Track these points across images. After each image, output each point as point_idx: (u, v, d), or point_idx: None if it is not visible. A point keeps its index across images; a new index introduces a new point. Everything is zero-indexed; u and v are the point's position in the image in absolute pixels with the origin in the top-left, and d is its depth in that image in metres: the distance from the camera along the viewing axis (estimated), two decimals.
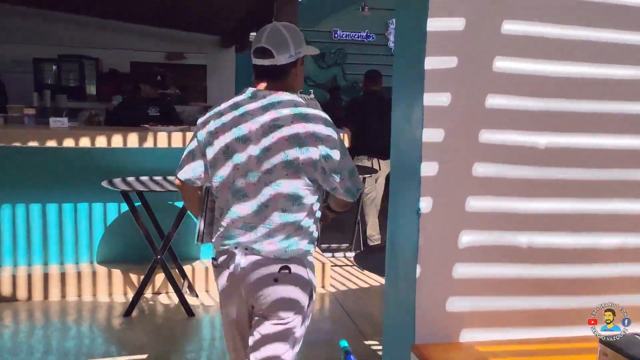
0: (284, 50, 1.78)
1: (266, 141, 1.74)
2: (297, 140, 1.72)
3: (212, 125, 1.84)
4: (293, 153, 1.72)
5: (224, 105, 1.86)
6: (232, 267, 1.83)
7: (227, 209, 1.83)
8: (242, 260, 1.81)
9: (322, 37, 12.04)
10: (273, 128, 1.74)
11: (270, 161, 1.74)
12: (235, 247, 1.83)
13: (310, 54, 1.93)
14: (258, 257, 1.81)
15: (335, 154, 1.78)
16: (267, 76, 1.83)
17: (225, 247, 1.86)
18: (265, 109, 1.77)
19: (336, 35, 12.62)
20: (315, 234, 1.91)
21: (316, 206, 1.87)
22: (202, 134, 1.86)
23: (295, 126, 1.73)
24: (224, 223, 1.86)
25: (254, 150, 1.76)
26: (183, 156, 1.94)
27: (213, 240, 1.94)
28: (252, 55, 1.84)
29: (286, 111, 1.75)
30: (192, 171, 1.91)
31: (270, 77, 1.83)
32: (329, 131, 1.77)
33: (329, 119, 1.82)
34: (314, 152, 1.73)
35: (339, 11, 12.40)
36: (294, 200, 1.77)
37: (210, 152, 1.83)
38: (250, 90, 1.84)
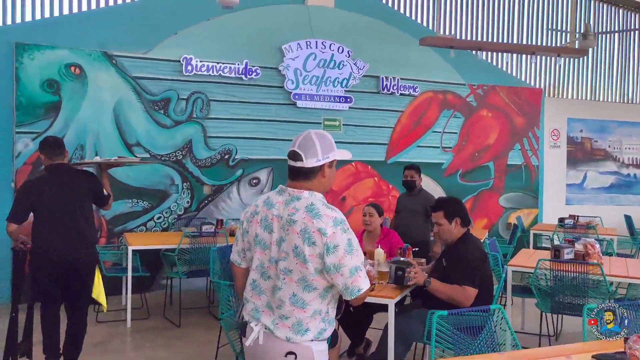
0: (312, 154, 2.11)
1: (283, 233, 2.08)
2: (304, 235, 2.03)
3: (248, 214, 2.24)
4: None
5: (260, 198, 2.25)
6: None
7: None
8: None
9: (165, 71, 6.78)
10: (289, 222, 2.06)
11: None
12: None
13: (340, 158, 2.20)
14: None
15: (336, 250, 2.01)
16: (294, 176, 2.17)
17: None
18: (286, 203, 2.12)
19: (189, 68, 6.90)
20: None
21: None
22: (243, 222, 2.25)
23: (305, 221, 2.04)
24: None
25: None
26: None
27: None
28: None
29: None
30: (235, 253, 2.31)
31: (296, 176, 2.16)
32: (334, 229, 2.01)
33: (339, 217, 2.05)
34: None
35: (194, 23, 6.97)
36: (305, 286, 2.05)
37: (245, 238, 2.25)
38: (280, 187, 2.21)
